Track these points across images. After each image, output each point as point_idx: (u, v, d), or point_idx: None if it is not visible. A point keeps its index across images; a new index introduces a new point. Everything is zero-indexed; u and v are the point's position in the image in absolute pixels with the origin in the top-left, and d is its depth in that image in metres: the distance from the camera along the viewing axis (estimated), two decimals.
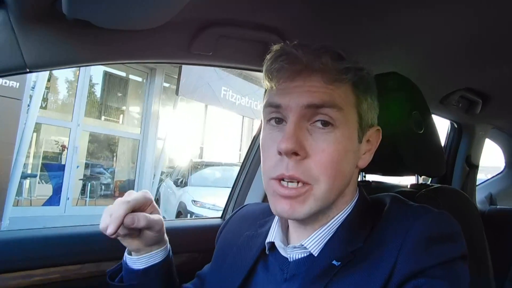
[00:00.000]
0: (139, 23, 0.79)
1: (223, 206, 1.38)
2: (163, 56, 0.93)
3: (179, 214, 6.15)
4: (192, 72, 8.39)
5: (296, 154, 0.57)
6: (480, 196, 2.02)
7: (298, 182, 0.58)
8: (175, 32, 0.87)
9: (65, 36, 0.75)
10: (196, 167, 7.31)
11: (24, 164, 7.04)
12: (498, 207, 1.83)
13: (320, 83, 0.58)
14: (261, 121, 0.68)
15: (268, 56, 0.61)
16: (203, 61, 0.99)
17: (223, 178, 6.95)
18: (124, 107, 9.91)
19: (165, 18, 0.77)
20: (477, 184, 1.88)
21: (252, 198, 1.31)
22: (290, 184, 0.59)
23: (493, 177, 2.23)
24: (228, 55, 1.01)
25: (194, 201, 5.81)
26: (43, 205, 7.80)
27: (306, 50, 0.59)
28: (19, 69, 0.72)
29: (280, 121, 0.61)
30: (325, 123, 0.58)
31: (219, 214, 1.47)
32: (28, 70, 0.73)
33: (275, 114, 0.61)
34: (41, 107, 7.19)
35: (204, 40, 0.91)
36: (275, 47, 0.62)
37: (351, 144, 0.61)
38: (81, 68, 7.70)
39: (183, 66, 7.77)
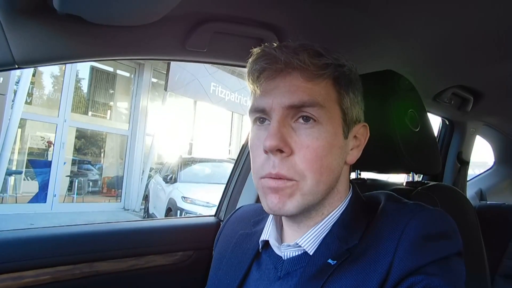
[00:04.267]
0: (132, 19, 0.76)
1: (213, 202, 1.38)
2: (157, 52, 0.92)
3: (168, 211, 6.12)
4: (181, 68, 8.32)
5: (281, 151, 0.58)
6: (470, 192, 2.05)
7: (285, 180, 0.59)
8: (170, 28, 0.85)
9: (56, 32, 0.72)
10: (186, 163, 7.27)
11: (9, 160, 6.90)
12: (488, 202, 1.86)
13: (300, 80, 0.59)
14: None
15: (250, 60, 0.62)
16: (197, 58, 0.98)
17: (213, 174, 6.94)
18: (111, 103, 9.77)
19: (159, 13, 0.75)
20: (467, 180, 1.91)
21: (247, 195, 1.31)
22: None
23: (482, 173, 2.27)
24: (223, 52, 1.00)
25: (184, 197, 5.79)
26: (29, 202, 7.66)
27: (285, 50, 0.59)
28: (7, 65, 0.70)
29: (264, 120, 0.62)
30: (307, 119, 0.59)
31: (210, 211, 1.46)
32: (17, 66, 0.71)
33: (259, 115, 0.63)
34: (26, 102, 7.04)
35: (199, 36, 0.89)
36: (255, 50, 0.62)
37: (336, 140, 0.61)
38: (65, 64, 7.55)
39: (172, 61, 7.68)
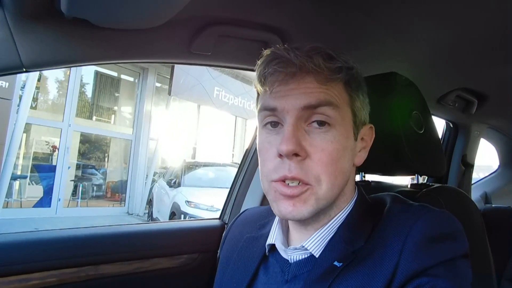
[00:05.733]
0: (139, 22, 0.77)
1: (217, 206, 1.38)
2: (162, 56, 0.92)
3: (172, 215, 6.12)
4: (184, 72, 8.35)
5: (296, 155, 0.57)
6: (475, 195, 2.04)
7: (299, 182, 0.58)
8: (175, 31, 0.86)
9: (63, 35, 0.73)
10: (189, 167, 7.28)
11: (14, 165, 6.94)
12: (493, 205, 1.85)
13: (314, 84, 0.59)
14: (257, 126, 0.67)
15: (259, 61, 0.62)
16: (202, 61, 0.99)
17: (217, 178, 6.93)
18: (115, 107, 9.81)
19: (165, 17, 0.76)
20: (472, 183, 1.90)
21: (251, 199, 1.31)
22: (292, 184, 0.58)
23: (487, 176, 2.26)
24: (227, 55, 1.00)
25: (188, 201, 5.79)
26: (34, 206, 7.68)
27: (297, 53, 0.58)
28: (16, 68, 0.71)
29: (276, 124, 0.61)
30: (322, 123, 0.59)
31: (214, 215, 1.46)
32: (25, 69, 0.72)
33: (271, 118, 0.62)
34: (31, 107, 7.09)
35: (204, 40, 0.90)
36: (266, 52, 0.62)
37: (348, 142, 0.61)
38: (72, 67, 7.60)
39: (176, 66, 7.73)
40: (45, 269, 0.93)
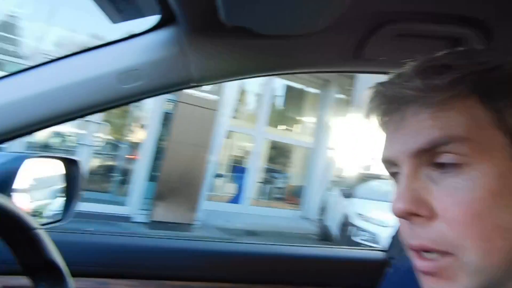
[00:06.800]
0: (301, 26, 0.71)
1: (389, 222, 1.15)
2: (327, 64, 0.84)
3: (342, 225, 6.12)
4: (367, 82, 8.11)
5: (416, 215, 0.41)
6: None
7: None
8: (341, 34, 0.76)
9: (229, 48, 0.75)
10: (364, 179, 7.05)
11: (217, 165, 8.29)
12: None
13: (423, 116, 0.42)
14: None
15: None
16: (373, 68, 0.86)
17: (391, 192, 6.43)
18: (299, 117, 10.45)
19: (328, 19, 0.67)
20: None
21: None
22: (428, 255, 0.42)
23: None
24: (404, 59, 0.83)
25: (359, 214, 5.65)
26: (228, 202, 8.92)
27: (396, 81, 0.44)
28: (186, 83, 0.75)
29: (396, 173, 0.47)
30: (451, 165, 0.41)
31: (385, 230, 1.24)
32: (195, 84, 0.76)
33: (389, 169, 0.48)
34: (232, 117, 8.33)
35: (377, 42, 0.76)
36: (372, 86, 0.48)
37: (505, 180, 0.40)
38: (264, 80, 8.53)
39: (358, 76, 7.60)
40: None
